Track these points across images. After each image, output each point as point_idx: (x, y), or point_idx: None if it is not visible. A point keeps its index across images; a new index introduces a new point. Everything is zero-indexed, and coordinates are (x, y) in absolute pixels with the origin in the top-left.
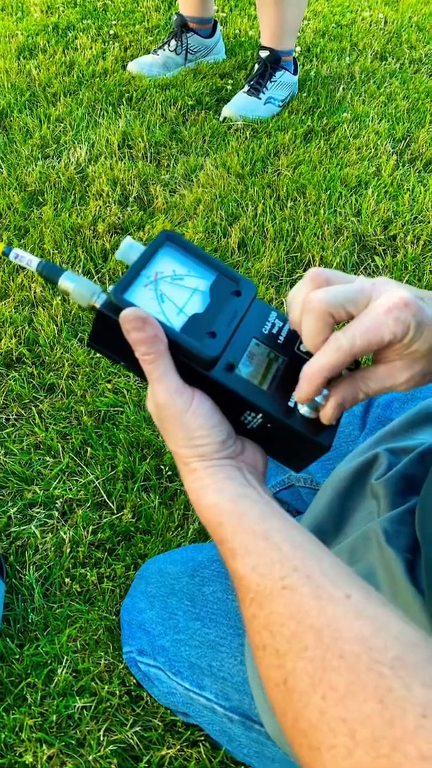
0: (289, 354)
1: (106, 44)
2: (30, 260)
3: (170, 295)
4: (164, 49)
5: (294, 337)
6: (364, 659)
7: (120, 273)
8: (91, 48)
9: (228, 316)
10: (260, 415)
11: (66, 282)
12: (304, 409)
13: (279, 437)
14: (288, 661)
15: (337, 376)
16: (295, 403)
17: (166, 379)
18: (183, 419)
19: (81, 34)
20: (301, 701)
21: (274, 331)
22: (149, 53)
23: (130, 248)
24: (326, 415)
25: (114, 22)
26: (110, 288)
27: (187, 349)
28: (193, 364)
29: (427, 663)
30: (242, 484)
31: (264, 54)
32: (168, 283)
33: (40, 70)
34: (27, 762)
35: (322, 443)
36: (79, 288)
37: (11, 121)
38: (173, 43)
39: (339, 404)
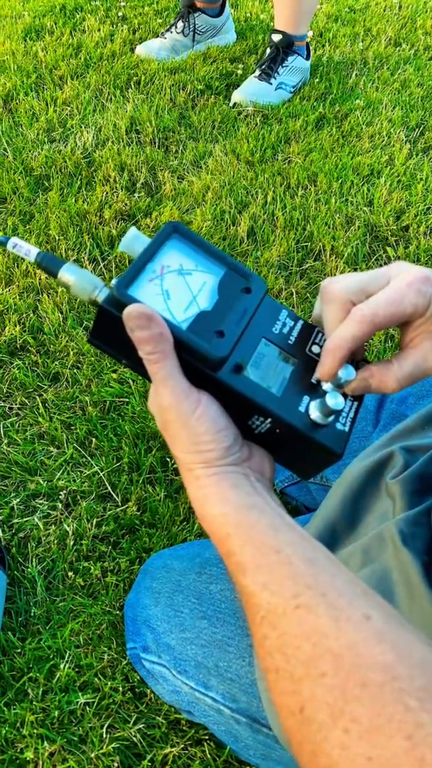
0: (301, 355)
1: (115, 26)
2: (29, 250)
3: (177, 291)
4: (171, 32)
5: (305, 337)
6: (388, 689)
7: (127, 261)
8: (99, 30)
9: (237, 314)
10: (269, 419)
11: (66, 274)
12: (315, 414)
13: (288, 443)
14: (304, 688)
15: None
16: (307, 408)
17: (172, 381)
18: (188, 423)
19: (89, 15)
20: (320, 733)
21: (285, 330)
22: (158, 36)
23: (134, 239)
24: (351, 386)
25: (123, 4)
26: (113, 282)
27: (194, 349)
28: (199, 365)
29: None
30: (249, 492)
31: (276, 38)
32: (174, 278)
33: (46, 52)
34: (28, 758)
35: (334, 450)
36: (80, 281)
37: (17, 103)
38: (180, 24)
39: (366, 378)
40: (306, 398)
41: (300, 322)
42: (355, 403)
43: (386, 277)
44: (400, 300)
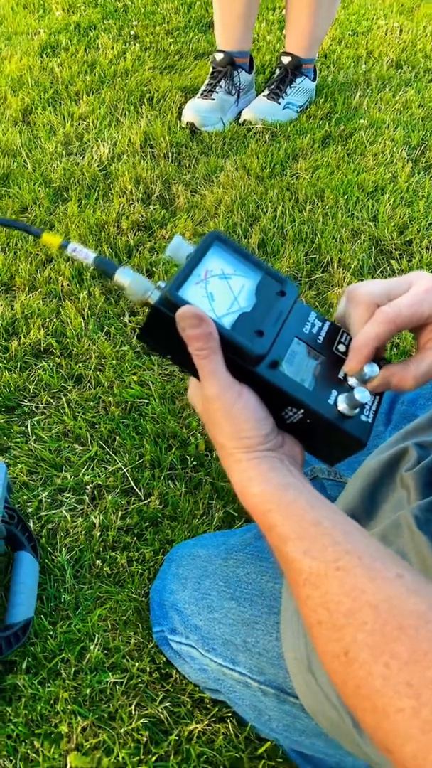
0: (328, 353)
1: (127, 45)
2: (87, 254)
3: (219, 293)
4: (216, 92)
5: (332, 337)
6: (423, 631)
7: (144, 270)
8: (112, 48)
9: (274, 315)
10: (301, 410)
11: (121, 277)
12: (343, 406)
13: (318, 432)
14: (347, 635)
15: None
16: (335, 401)
17: (218, 374)
18: (231, 412)
19: (102, 33)
20: (363, 669)
21: (314, 330)
22: (201, 96)
23: (179, 246)
24: (373, 383)
25: (135, 23)
26: (161, 284)
27: (238, 346)
28: (241, 361)
29: None
30: (286, 474)
31: (286, 60)
32: (217, 282)
33: (62, 68)
34: (62, 732)
35: (361, 439)
36: (135, 284)
37: (36, 117)
38: (224, 83)
39: (388, 377)
40: (334, 392)
41: (327, 324)
42: (377, 398)
43: (407, 284)
44: (420, 303)
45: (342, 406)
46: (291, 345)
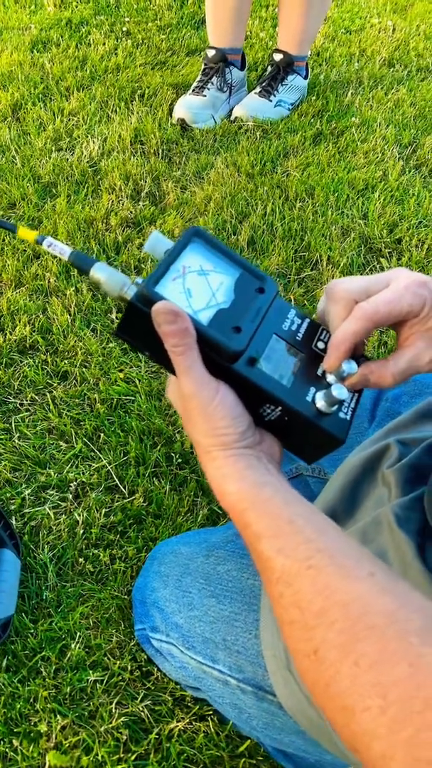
0: (307, 350)
1: (119, 41)
2: (62, 249)
3: (197, 289)
4: (208, 88)
5: (311, 334)
6: (392, 630)
7: (132, 266)
8: (103, 44)
9: (252, 312)
10: (279, 408)
11: (97, 273)
12: (321, 403)
13: (296, 430)
14: (317, 634)
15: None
16: (313, 398)
17: (193, 371)
18: (207, 410)
19: (94, 29)
20: (332, 668)
21: (293, 328)
22: (192, 93)
23: (157, 242)
24: (351, 380)
25: (127, 19)
26: (138, 280)
27: (214, 342)
28: (218, 357)
29: None
30: (263, 472)
31: (278, 57)
32: (195, 278)
33: (53, 64)
34: (42, 731)
35: (338, 436)
36: (110, 279)
37: (25, 113)
38: (216, 80)
39: (366, 374)
40: (312, 389)
41: (306, 321)
42: (356, 395)
43: (386, 280)
44: (398, 300)
45: (320, 403)
46: (270, 342)
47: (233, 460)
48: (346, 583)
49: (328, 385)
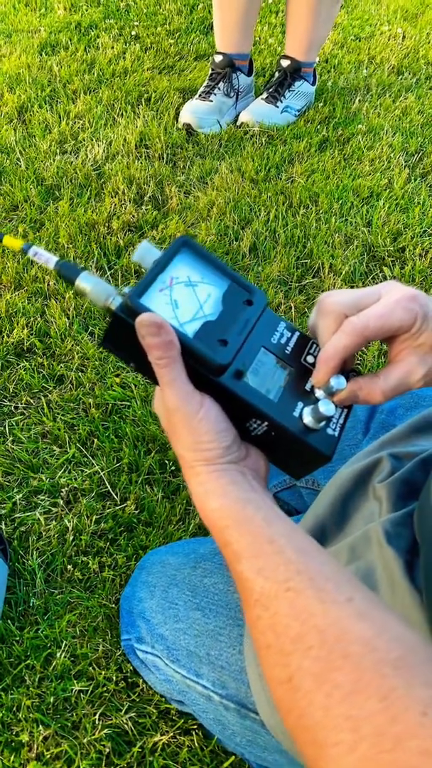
0: (296, 364)
1: (128, 44)
2: (48, 259)
3: (184, 300)
4: (215, 93)
5: (301, 348)
6: (367, 659)
7: (133, 271)
8: (112, 48)
9: (239, 324)
10: (265, 422)
11: (83, 283)
12: (308, 419)
13: (282, 445)
14: (293, 660)
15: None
16: (300, 413)
17: (177, 384)
18: (191, 423)
19: (103, 33)
20: (305, 699)
21: (283, 341)
22: (199, 98)
23: (147, 251)
24: (340, 396)
25: (136, 24)
26: (125, 290)
27: (199, 355)
28: (203, 370)
29: (427, 663)
30: (246, 489)
31: (285, 63)
32: (182, 289)
33: (61, 67)
34: (23, 741)
35: (325, 453)
36: (96, 289)
37: (31, 115)
38: (223, 85)
39: (355, 390)
40: (300, 404)
41: (296, 334)
42: (345, 411)
43: (378, 294)
44: (389, 315)
45: (307, 419)
46: (257, 355)
47: (216, 475)
48: (324, 608)
49: (317, 401)
